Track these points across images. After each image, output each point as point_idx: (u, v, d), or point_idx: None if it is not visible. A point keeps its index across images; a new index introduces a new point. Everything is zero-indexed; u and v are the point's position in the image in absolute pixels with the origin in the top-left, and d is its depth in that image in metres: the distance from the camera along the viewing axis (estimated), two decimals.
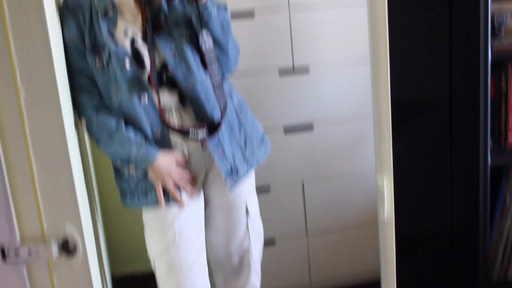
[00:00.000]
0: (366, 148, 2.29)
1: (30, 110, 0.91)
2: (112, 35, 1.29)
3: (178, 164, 1.36)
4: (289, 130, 2.19)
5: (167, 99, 1.35)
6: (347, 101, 2.22)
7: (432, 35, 1.90)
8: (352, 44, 2.17)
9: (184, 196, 1.38)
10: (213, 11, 1.30)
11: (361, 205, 2.35)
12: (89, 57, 1.30)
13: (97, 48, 1.29)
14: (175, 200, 1.36)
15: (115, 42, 1.29)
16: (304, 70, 2.14)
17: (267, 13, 2.07)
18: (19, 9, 0.88)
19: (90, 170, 1.72)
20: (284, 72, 2.13)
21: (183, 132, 1.32)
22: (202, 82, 1.35)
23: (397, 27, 1.60)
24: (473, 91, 1.74)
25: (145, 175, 1.36)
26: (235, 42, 1.44)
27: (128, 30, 1.31)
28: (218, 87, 1.35)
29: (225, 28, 1.35)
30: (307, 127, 2.21)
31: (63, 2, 1.32)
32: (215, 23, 1.31)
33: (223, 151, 1.38)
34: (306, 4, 2.09)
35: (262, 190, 2.16)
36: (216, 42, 1.34)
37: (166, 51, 1.32)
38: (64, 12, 1.30)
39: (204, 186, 1.48)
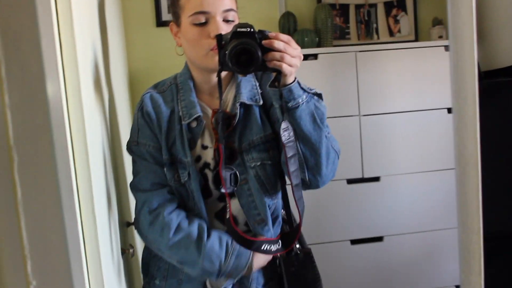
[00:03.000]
0: (442, 262, 2.08)
1: None
2: (191, 154, 1.14)
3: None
4: (357, 241, 2.04)
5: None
6: (421, 211, 2.06)
7: None
8: (427, 150, 2.05)
9: None
10: (301, 97, 1.02)
11: None
12: (167, 171, 1.16)
13: (175, 163, 1.15)
14: None
15: (193, 163, 1.14)
16: (375, 178, 2.03)
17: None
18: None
19: None
20: (353, 180, 2.03)
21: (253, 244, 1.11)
22: (267, 214, 1.16)
23: (488, 154, 1.45)
24: None
25: None
26: (334, 143, 1.12)
27: (201, 157, 1.17)
28: (297, 190, 1.05)
29: (318, 121, 1.05)
30: (376, 238, 2.05)
31: (139, 106, 1.19)
32: (303, 112, 1.03)
33: None
34: (376, 108, 2.00)
35: None
36: (304, 138, 1.05)
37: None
38: (138, 117, 1.18)
39: None
